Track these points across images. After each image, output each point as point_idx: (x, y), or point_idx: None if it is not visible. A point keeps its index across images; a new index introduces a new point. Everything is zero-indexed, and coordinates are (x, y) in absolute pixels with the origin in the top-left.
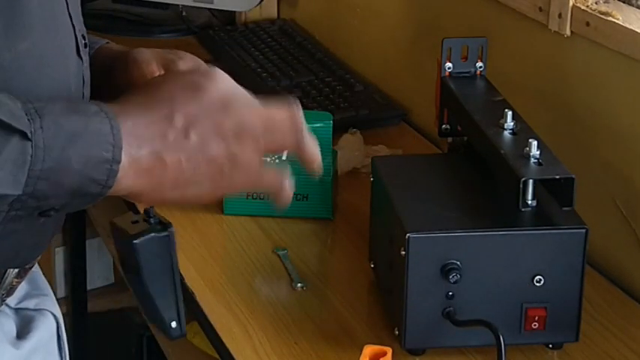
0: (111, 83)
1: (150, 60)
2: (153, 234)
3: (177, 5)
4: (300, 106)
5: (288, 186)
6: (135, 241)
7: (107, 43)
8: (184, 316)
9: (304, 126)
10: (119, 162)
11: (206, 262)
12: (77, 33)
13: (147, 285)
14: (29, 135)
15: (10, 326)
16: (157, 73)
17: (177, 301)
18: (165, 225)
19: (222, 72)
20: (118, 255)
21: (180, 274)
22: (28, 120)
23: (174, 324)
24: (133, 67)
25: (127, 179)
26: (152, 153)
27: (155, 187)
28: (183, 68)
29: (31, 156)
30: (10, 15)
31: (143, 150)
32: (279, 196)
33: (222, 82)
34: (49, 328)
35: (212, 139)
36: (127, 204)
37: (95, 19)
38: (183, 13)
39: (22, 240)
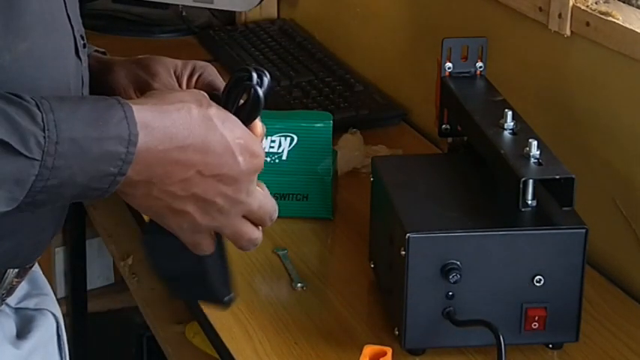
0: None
1: (127, 87)
2: None
3: (177, 5)
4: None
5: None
6: None
7: (95, 50)
8: (233, 282)
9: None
10: (124, 175)
11: None
12: (76, 33)
13: (209, 270)
14: (39, 159)
15: (10, 326)
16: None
17: (228, 272)
18: None
19: (260, 151)
20: (154, 261)
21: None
22: (45, 139)
23: (228, 295)
24: (111, 91)
25: (121, 187)
26: (147, 182)
27: (129, 198)
28: (163, 77)
29: (36, 175)
30: (9, 16)
31: (144, 175)
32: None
33: (252, 166)
34: (49, 327)
35: (195, 204)
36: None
37: (95, 19)
38: (183, 13)
39: (22, 240)
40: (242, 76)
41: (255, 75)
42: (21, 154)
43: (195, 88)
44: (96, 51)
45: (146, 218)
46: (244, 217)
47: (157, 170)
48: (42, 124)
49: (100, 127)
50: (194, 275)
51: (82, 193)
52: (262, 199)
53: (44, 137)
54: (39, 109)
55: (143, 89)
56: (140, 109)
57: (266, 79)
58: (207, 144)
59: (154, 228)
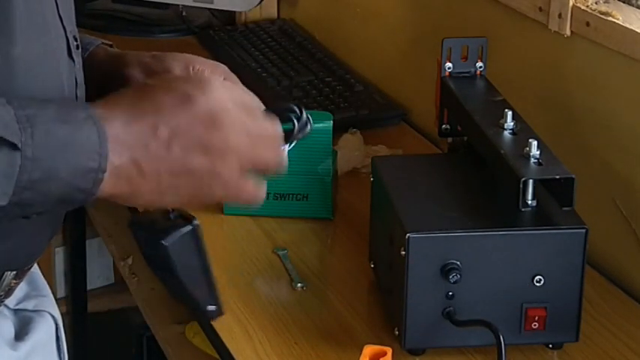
0: (103, 88)
1: (139, 77)
2: (181, 231)
3: (178, 5)
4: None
5: (262, 198)
6: (164, 242)
7: (102, 43)
8: (219, 295)
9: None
10: (104, 171)
11: None
12: (68, 35)
13: (182, 281)
14: (19, 145)
15: (9, 327)
16: None
17: (211, 285)
18: (188, 219)
19: (217, 81)
20: (144, 254)
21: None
22: (20, 129)
23: (212, 307)
24: (122, 82)
25: (108, 186)
26: (132, 161)
27: (133, 193)
28: (177, 72)
29: (20, 167)
30: (3, 19)
31: (124, 157)
32: (253, 204)
33: (214, 94)
34: (47, 329)
35: (194, 153)
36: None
37: (95, 19)
38: (184, 13)
39: (20, 242)
40: (286, 107)
41: (297, 109)
42: (5, 141)
43: None
44: (103, 44)
45: (156, 229)
46: (253, 140)
47: (132, 147)
48: (15, 117)
49: (71, 121)
50: (173, 282)
51: (67, 193)
52: (252, 115)
53: (19, 129)
54: (10, 105)
55: (156, 74)
56: (95, 106)
57: (307, 123)
58: (154, 99)
59: (138, 224)
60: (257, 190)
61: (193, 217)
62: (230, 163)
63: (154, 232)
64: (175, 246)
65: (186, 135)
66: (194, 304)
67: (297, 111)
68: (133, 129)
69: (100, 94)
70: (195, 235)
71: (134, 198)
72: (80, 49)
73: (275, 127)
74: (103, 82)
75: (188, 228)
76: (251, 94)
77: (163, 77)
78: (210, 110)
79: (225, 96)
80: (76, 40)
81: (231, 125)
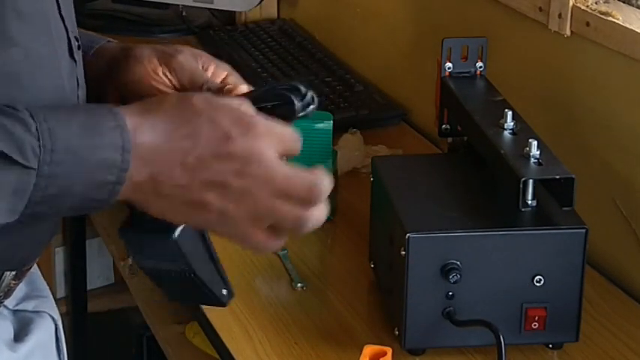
0: (113, 81)
1: (150, 56)
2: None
3: (178, 5)
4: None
5: (275, 249)
6: (173, 237)
7: (108, 41)
8: (227, 277)
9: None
10: (122, 184)
11: None
12: (70, 35)
13: (196, 272)
14: (35, 167)
15: (8, 328)
16: (159, 70)
17: (220, 269)
18: None
19: (263, 124)
20: (140, 258)
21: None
22: (40, 147)
23: (224, 292)
24: (135, 64)
25: (122, 195)
26: (152, 180)
27: (144, 204)
28: (181, 61)
29: (35, 185)
30: (3, 20)
31: (145, 174)
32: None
33: (253, 140)
34: (47, 330)
35: (212, 189)
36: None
37: (95, 19)
38: (184, 13)
39: (19, 242)
40: (290, 85)
41: (302, 88)
42: (18, 163)
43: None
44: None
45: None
46: (276, 196)
47: (155, 166)
48: (36, 133)
49: (95, 135)
50: (182, 277)
51: (82, 204)
52: (287, 170)
53: (39, 146)
54: (33, 118)
55: (168, 62)
56: (129, 113)
57: (311, 103)
58: (194, 127)
59: (132, 225)
60: (269, 242)
61: None
62: (244, 209)
63: (154, 232)
64: (183, 237)
65: (211, 171)
66: (207, 293)
67: (302, 90)
68: (163, 149)
69: (102, 91)
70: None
71: (144, 208)
72: (81, 50)
73: (310, 188)
74: (107, 77)
75: None
76: (292, 136)
77: (209, 99)
78: (243, 155)
79: (264, 144)
80: (77, 40)
81: (257, 176)
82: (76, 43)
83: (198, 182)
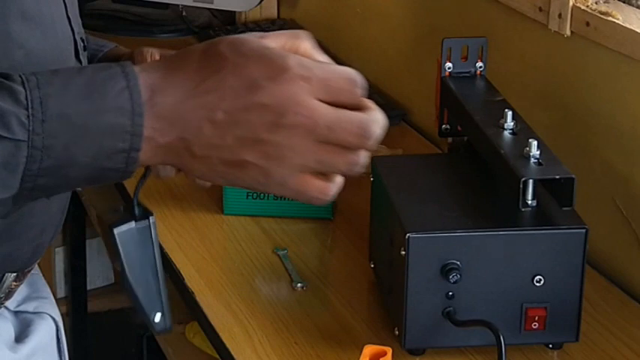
0: None
1: (155, 53)
2: (133, 223)
3: (177, 5)
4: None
5: (331, 196)
6: (114, 229)
7: (116, 46)
8: (169, 310)
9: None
10: (139, 149)
11: (206, 262)
12: (76, 36)
13: (127, 275)
14: (25, 139)
15: (9, 330)
16: None
17: (161, 293)
18: (146, 214)
19: (298, 67)
20: (107, 248)
21: (180, 274)
22: (29, 117)
23: (158, 317)
24: (139, 58)
25: (155, 157)
26: (181, 140)
27: (185, 167)
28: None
29: (27, 157)
30: (7, 22)
31: (172, 136)
32: (319, 203)
33: (286, 85)
34: (47, 331)
35: (249, 147)
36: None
37: (95, 19)
38: (184, 13)
39: (20, 244)
40: None
41: None
42: (3, 137)
43: None
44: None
45: (111, 219)
46: (321, 144)
47: (181, 125)
48: (25, 102)
49: (96, 99)
50: (124, 280)
51: (96, 174)
52: (330, 116)
53: (28, 116)
54: (24, 86)
55: None
56: (148, 72)
57: None
58: (219, 78)
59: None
60: (323, 189)
61: (151, 214)
62: (287, 165)
63: (108, 221)
64: (124, 236)
65: (243, 126)
66: (141, 309)
67: None
68: (187, 106)
69: None
70: (149, 232)
71: (187, 171)
72: (87, 51)
73: (359, 133)
74: None
75: (143, 223)
76: (343, 73)
77: (235, 43)
78: (276, 104)
79: (300, 88)
80: (83, 41)
81: (296, 126)
82: (82, 44)
83: (231, 139)
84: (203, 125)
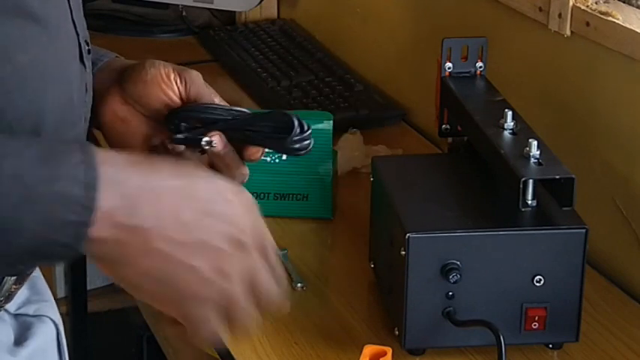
0: (120, 86)
1: (166, 64)
2: None
3: (177, 5)
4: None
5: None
6: None
7: (116, 56)
8: None
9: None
10: (88, 225)
11: None
12: (80, 39)
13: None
14: None
15: (8, 333)
16: (172, 75)
17: None
18: None
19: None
20: None
21: None
22: None
23: None
24: (149, 66)
25: (102, 242)
26: (143, 233)
27: (128, 260)
28: (194, 75)
29: None
30: (11, 27)
31: (133, 218)
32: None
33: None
34: (48, 334)
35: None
36: None
37: (95, 19)
38: (183, 13)
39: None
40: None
41: (305, 124)
42: None
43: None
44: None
45: None
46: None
47: (145, 209)
48: None
49: (52, 166)
50: None
51: (43, 246)
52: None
53: None
54: None
55: (182, 74)
56: (111, 156)
57: (308, 139)
58: (193, 184)
59: None
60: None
61: None
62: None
63: None
64: None
65: (204, 230)
66: None
67: (304, 125)
68: (156, 193)
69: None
70: None
71: (127, 268)
72: (91, 54)
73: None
74: (124, 73)
75: None
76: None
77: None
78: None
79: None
80: (87, 44)
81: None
82: (87, 48)
83: (194, 241)
84: (169, 217)
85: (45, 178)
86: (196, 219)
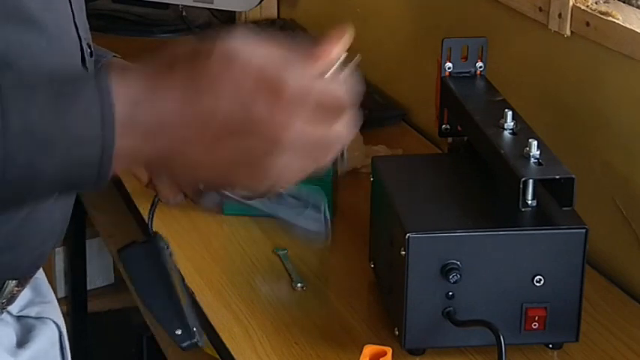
0: None
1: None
2: (138, 244)
3: (177, 5)
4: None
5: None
6: (121, 252)
7: (114, 56)
8: (195, 325)
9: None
10: (110, 165)
11: (206, 262)
12: (83, 43)
13: (140, 294)
14: None
15: (10, 335)
16: None
17: (180, 310)
18: (156, 238)
19: (293, 88)
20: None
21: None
22: None
23: (178, 332)
24: None
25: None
26: (160, 157)
27: (174, 153)
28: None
29: None
30: (13, 31)
31: (149, 150)
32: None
33: (281, 117)
34: (50, 336)
35: (240, 168)
36: (128, 207)
37: (95, 19)
38: (183, 13)
39: (22, 253)
40: None
41: None
42: None
43: None
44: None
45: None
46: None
47: (163, 141)
48: None
49: (64, 106)
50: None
51: (63, 184)
52: (319, 132)
53: None
54: None
55: None
56: (127, 84)
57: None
58: (214, 99)
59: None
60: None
61: (161, 238)
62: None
63: (125, 245)
64: (131, 257)
65: (232, 150)
66: (161, 325)
67: None
68: (177, 119)
69: None
70: (158, 253)
71: (174, 163)
72: (93, 57)
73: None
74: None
75: (149, 244)
76: (336, 93)
77: (229, 56)
78: (267, 134)
79: (294, 118)
80: (89, 47)
81: (288, 150)
82: (89, 51)
83: (220, 159)
84: (189, 144)
85: (59, 121)
86: (221, 143)
